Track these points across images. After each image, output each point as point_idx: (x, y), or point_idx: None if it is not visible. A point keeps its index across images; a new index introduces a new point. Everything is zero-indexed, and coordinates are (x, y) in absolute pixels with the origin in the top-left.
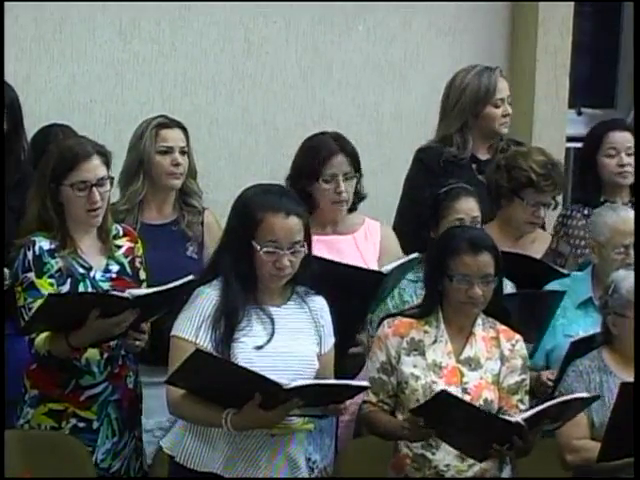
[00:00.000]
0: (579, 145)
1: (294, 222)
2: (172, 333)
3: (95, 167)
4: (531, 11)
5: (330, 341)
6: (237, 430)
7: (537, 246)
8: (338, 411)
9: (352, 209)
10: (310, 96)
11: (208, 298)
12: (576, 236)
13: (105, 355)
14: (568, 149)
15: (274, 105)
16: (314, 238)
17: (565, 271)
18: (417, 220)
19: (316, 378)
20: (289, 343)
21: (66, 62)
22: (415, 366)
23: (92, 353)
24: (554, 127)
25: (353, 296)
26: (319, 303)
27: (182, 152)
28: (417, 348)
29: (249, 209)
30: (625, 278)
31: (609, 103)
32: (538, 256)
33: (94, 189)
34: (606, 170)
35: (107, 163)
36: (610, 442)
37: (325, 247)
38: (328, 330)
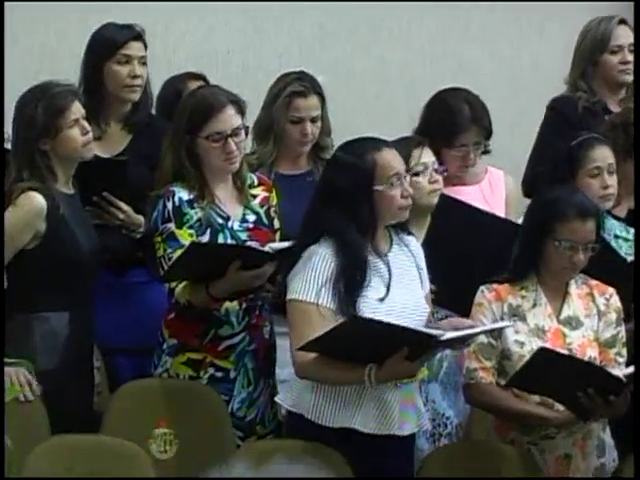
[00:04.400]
0: None
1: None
2: (290, 297)
3: (230, 117)
4: None
5: (427, 282)
6: (379, 383)
7: None
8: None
9: None
10: (447, 49)
11: (324, 258)
12: None
13: (244, 305)
14: None
15: (411, 58)
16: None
17: None
18: (550, 170)
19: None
20: (405, 291)
21: (204, 12)
22: (517, 332)
23: (231, 303)
24: None
25: (487, 247)
26: (415, 244)
27: (313, 120)
28: (516, 314)
29: (359, 159)
30: None
31: None
32: None
33: (229, 139)
34: None
35: (242, 112)
36: None
37: None
38: (425, 270)
